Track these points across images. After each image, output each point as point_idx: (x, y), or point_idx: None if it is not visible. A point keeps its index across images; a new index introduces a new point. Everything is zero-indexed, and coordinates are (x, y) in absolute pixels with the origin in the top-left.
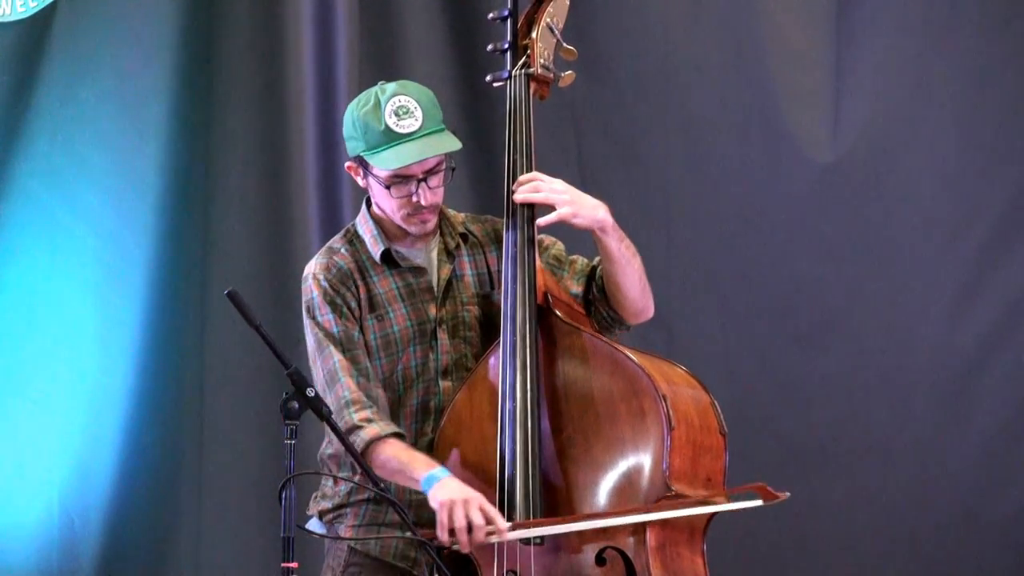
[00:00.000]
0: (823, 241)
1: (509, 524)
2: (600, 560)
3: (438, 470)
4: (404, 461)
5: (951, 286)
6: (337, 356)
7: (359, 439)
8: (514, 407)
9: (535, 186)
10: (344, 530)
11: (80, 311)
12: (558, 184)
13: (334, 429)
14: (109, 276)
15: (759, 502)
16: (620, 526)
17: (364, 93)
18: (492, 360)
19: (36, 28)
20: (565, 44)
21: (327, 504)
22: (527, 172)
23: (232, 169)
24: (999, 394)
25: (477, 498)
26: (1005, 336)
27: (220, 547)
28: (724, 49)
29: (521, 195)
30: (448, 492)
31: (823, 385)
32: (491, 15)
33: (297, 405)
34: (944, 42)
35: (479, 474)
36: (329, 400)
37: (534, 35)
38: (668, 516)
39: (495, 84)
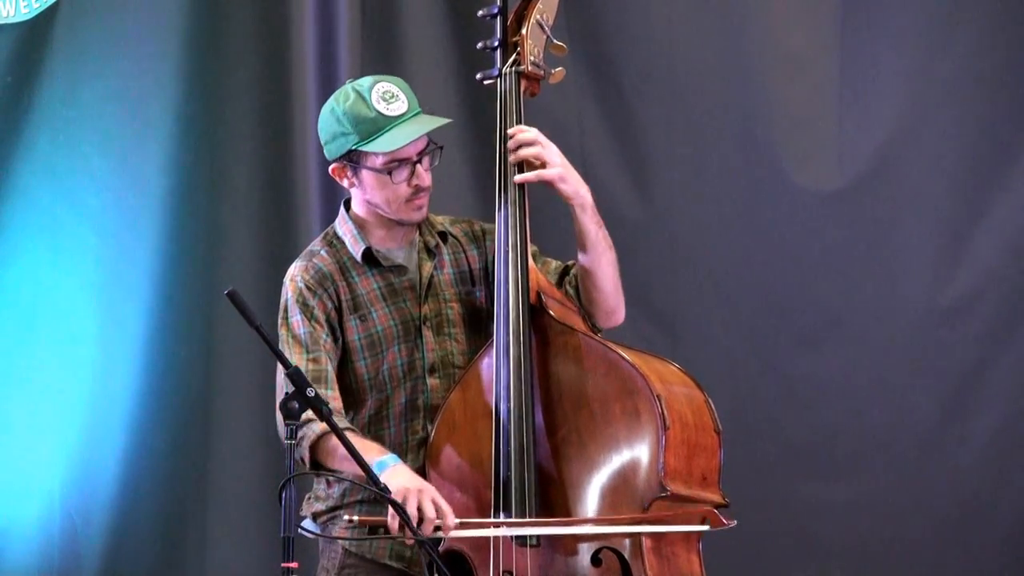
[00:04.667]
0: (826, 242)
1: (458, 521)
2: (596, 561)
3: (389, 456)
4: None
5: (954, 286)
6: (296, 357)
7: (311, 431)
8: (508, 407)
9: (533, 138)
10: (340, 532)
11: (82, 311)
12: (553, 148)
13: (334, 428)
14: (111, 276)
15: (707, 527)
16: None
17: (337, 93)
18: (486, 360)
19: (38, 29)
20: (555, 40)
21: (321, 506)
22: (519, 171)
23: (235, 169)
24: (1001, 395)
25: (429, 490)
26: (1007, 336)
27: (224, 547)
28: (728, 51)
29: (515, 149)
30: (401, 480)
31: (825, 386)
32: (480, 12)
33: (297, 405)
34: (948, 46)
35: (474, 474)
36: (282, 398)
37: (524, 32)
38: (623, 531)
39: (485, 82)
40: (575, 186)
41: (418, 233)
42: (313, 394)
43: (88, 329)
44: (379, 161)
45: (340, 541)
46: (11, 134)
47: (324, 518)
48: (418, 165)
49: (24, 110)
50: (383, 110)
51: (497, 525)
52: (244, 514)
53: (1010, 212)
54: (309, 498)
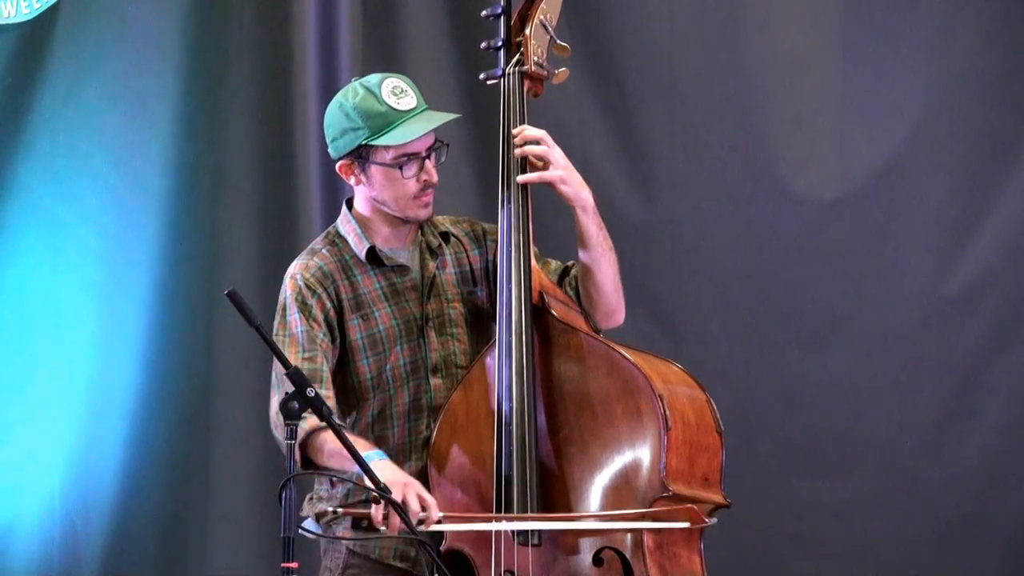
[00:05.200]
0: (827, 243)
1: (441, 515)
2: (597, 561)
3: (375, 452)
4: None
5: (955, 288)
6: (292, 357)
7: (300, 428)
8: (510, 407)
9: (539, 137)
10: (343, 532)
11: (82, 311)
12: (558, 150)
13: (334, 429)
14: (111, 277)
15: (687, 524)
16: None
17: (345, 89)
18: (488, 360)
19: (39, 29)
20: (559, 41)
21: (325, 507)
22: (523, 171)
23: (235, 169)
24: (1002, 396)
25: (414, 484)
26: (1008, 337)
27: (226, 547)
28: (730, 51)
29: (521, 148)
30: (385, 475)
31: (826, 387)
32: (484, 12)
33: (297, 405)
34: (949, 47)
35: (476, 474)
36: (275, 396)
37: (527, 32)
38: (610, 527)
39: (489, 82)
40: (576, 188)
41: (420, 233)
42: (313, 394)
43: (88, 329)
44: (389, 156)
45: (344, 541)
46: (12, 134)
47: (328, 518)
48: (427, 160)
49: (25, 110)
50: (394, 104)
51: (487, 520)
52: (245, 514)
53: (1011, 213)
54: (311, 498)
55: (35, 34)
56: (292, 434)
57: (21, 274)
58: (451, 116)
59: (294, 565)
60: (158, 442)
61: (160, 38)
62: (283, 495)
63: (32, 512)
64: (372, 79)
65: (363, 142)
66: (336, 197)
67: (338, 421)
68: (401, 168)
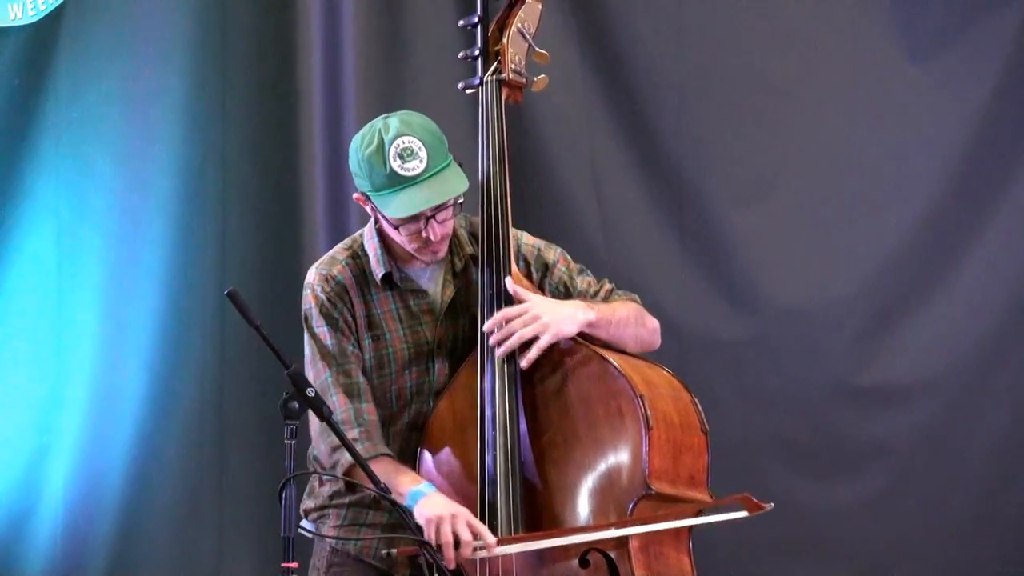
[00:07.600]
0: (830, 242)
1: (496, 539)
2: (583, 563)
3: (424, 485)
4: (391, 476)
5: (959, 287)
6: (328, 372)
7: (344, 458)
8: (493, 413)
9: (510, 329)
10: (327, 530)
11: (87, 313)
12: (529, 312)
13: (334, 429)
14: (114, 277)
15: (744, 513)
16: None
17: (368, 127)
18: (472, 368)
19: (44, 32)
20: (537, 48)
21: (311, 503)
22: (502, 182)
23: (240, 171)
24: (1007, 395)
25: (464, 513)
26: (1013, 337)
27: (233, 548)
28: (737, 52)
29: (501, 349)
30: (434, 508)
31: (831, 387)
32: (461, 22)
33: (297, 405)
34: (953, 50)
35: (462, 480)
36: (322, 441)
37: (505, 40)
38: (652, 528)
39: (467, 91)
40: (571, 327)
41: (449, 252)
42: (313, 394)
43: (93, 331)
44: (389, 217)
45: (328, 540)
46: (17, 136)
47: (314, 515)
48: (432, 219)
49: (30, 112)
50: (397, 168)
51: (544, 537)
52: (252, 515)
53: (1014, 213)
54: (305, 495)
55: (40, 36)
56: (292, 434)
57: (26, 275)
58: (454, 193)
59: (294, 565)
60: (163, 443)
61: (164, 40)
62: (283, 495)
63: (35, 513)
64: (391, 128)
65: (367, 193)
66: (341, 197)
67: (383, 446)
68: (398, 228)
